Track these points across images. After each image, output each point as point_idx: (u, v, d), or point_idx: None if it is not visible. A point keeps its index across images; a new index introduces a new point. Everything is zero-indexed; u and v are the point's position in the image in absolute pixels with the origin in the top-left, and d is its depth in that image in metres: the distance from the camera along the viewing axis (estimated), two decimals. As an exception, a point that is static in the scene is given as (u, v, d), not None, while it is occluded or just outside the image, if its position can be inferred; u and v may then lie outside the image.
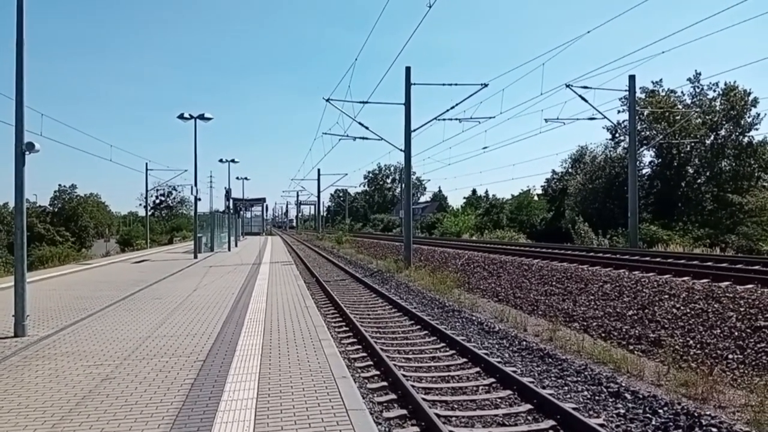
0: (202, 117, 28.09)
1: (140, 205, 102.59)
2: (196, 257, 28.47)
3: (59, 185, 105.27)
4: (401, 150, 27.42)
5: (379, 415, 6.79)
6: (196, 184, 30.08)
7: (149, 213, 70.55)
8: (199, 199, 31.65)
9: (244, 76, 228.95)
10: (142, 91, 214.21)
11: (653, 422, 6.61)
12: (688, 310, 11.56)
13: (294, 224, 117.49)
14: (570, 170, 65.42)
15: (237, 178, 77.64)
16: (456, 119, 29.37)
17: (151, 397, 5.73)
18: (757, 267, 15.64)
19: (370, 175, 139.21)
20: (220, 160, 55.97)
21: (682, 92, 51.40)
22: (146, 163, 55.76)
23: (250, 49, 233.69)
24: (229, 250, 36.89)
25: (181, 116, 27.99)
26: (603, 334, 11.92)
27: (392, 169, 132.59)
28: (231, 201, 46.47)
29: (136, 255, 34.44)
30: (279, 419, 5.05)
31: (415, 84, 26.59)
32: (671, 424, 6.51)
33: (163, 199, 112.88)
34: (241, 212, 65.32)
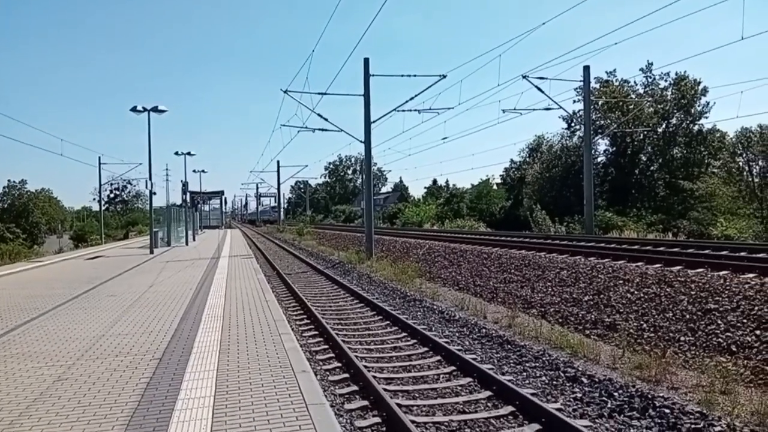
0: (155, 109, 27.47)
1: (94, 199, 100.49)
2: (152, 252, 27.88)
3: (8, 181, 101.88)
4: (361, 141, 27.34)
5: (341, 408, 6.78)
6: (150, 178, 29.44)
7: (104, 208, 68.86)
8: (155, 193, 31.08)
9: (199, 64, 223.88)
10: (91, 79, 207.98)
11: (609, 405, 6.78)
12: (642, 295, 11.88)
13: (276, 216, 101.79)
14: (527, 159, 66.42)
15: (194, 171, 76.60)
16: (415, 110, 29.54)
17: (105, 398, 5.58)
18: (707, 251, 16.17)
19: (331, 166, 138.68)
20: (176, 153, 55.03)
21: (635, 82, 52.78)
22: (99, 157, 54.27)
23: (204, 37, 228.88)
24: (187, 244, 36.24)
25: (134, 109, 27.32)
26: (560, 320, 12.16)
27: (353, 160, 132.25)
28: (188, 194, 45.68)
29: (91, 251, 33.51)
30: (237, 417, 4.98)
31: (374, 75, 26.53)
32: (626, 406, 6.68)
33: (117, 193, 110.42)
34: (199, 205, 64.23)
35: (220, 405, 5.29)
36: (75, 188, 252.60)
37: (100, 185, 57.63)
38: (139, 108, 27.30)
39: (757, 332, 8.97)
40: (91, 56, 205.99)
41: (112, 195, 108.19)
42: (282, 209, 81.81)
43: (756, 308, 9.56)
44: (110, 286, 14.55)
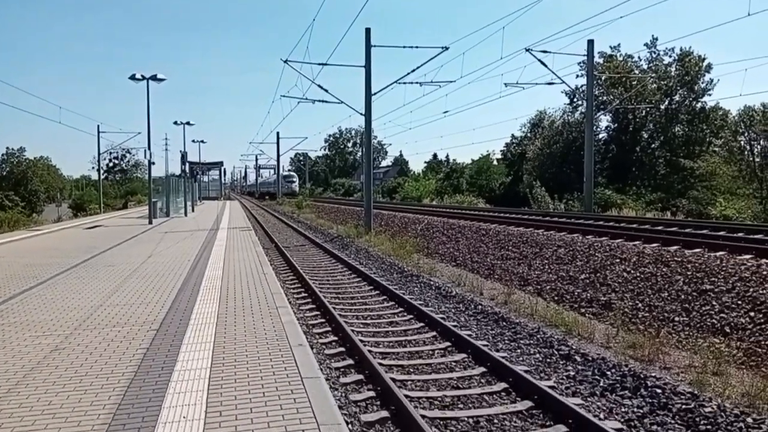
0: (154, 78, 27.19)
1: (93, 168, 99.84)
2: (151, 223, 27.89)
3: (7, 148, 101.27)
4: (362, 114, 27.17)
5: (336, 381, 6.86)
6: (149, 148, 29.26)
7: (102, 177, 68.57)
8: (153, 163, 30.94)
9: (198, 32, 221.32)
10: (93, 48, 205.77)
11: (601, 384, 6.85)
12: (638, 274, 11.93)
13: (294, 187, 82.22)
14: (529, 135, 66.17)
15: (193, 141, 76.49)
16: (417, 83, 29.24)
17: (102, 368, 5.62)
18: (705, 231, 16.19)
19: (331, 138, 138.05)
20: (175, 122, 54.77)
21: (639, 57, 52.29)
22: (98, 126, 53.85)
23: (204, 4, 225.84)
24: (186, 215, 36.25)
25: (132, 77, 27.03)
26: (556, 298, 12.23)
27: (353, 132, 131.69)
28: (187, 165, 45.54)
29: (89, 220, 33.52)
30: (232, 389, 5.03)
31: (375, 46, 26.18)
32: (618, 385, 6.75)
33: (116, 162, 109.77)
34: (198, 176, 64.09)
35: (216, 377, 5.34)
36: (74, 157, 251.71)
37: (99, 154, 57.39)
38: (138, 76, 27.01)
39: (752, 314, 9.03)
40: (88, 21, 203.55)
41: (111, 164, 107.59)
42: (280, 181, 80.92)
43: (751, 290, 9.62)
44: (108, 256, 14.58)
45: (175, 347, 6.30)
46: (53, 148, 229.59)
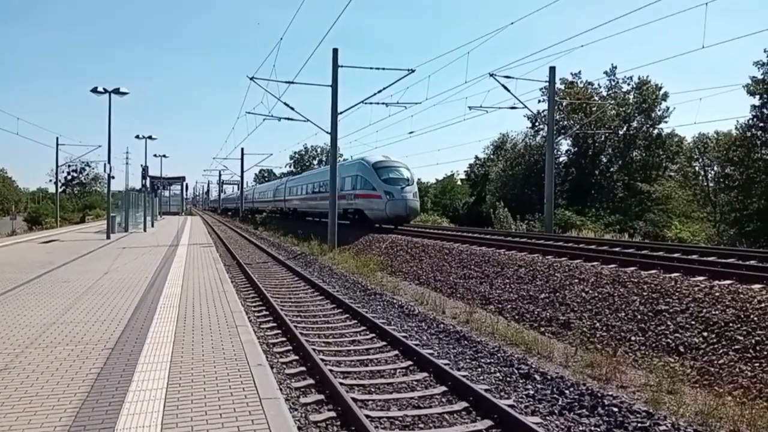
0: (117, 91, 26.76)
1: (50, 181, 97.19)
2: (108, 238, 27.24)
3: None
4: (328, 132, 27.18)
5: (296, 401, 6.77)
6: (109, 161, 28.64)
7: (60, 190, 66.93)
8: (113, 177, 30.19)
9: (164, 49, 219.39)
10: (54, 61, 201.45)
11: (560, 402, 6.92)
12: (596, 294, 12.14)
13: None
14: (492, 157, 67.16)
15: (155, 155, 74.55)
16: (383, 103, 29.31)
17: (53, 388, 5.44)
18: (660, 253, 16.58)
19: (296, 155, 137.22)
20: (137, 136, 53.68)
21: (598, 85, 53.76)
22: (57, 138, 52.83)
23: (170, 19, 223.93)
24: (145, 230, 35.53)
25: (94, 90, 26.54)
26: (516, 317, 12.36)
27: (319, 150, 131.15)
28: (148, 179, 44.72)
29: (45, 234, 32.56)
30: (189, 410, 4.92)
31: (342, 66, 26.33)
32: (576, 404, 6.83)
33: (75, 175, 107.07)
34: (159, 191, 62.96)
35: (172, 397, 5.21)
36: (31, 169, 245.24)
37: (57, 166, 56.31)
38: (100, 89, 26.54)
39: (705, 334, 9.27)
40: (50, 35, 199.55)
41: (69, 177, 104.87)
42: (244, 197, 79.16)
43: (704, 311, 9.88)
44: (63, 272, 14.17)
45: (130, 367, 6.14)
46: (9, 159, 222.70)
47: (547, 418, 6.53)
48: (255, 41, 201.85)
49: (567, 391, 7.23)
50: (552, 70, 30.74)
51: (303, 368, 8.17)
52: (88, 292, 11.03)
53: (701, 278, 11.66)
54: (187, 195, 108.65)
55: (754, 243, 29.83)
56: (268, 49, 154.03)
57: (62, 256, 18.09)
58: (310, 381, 7.59)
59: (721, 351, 8.70)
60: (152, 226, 40.38)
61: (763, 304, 9.15)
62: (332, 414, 6.44)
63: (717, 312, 9.68)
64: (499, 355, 8.93)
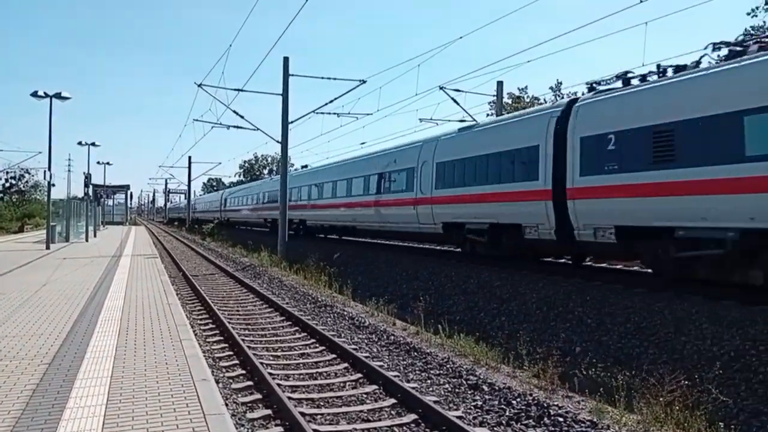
0: (58, 96, 25.94)
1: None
2: (48, 248, 26.22)
3: None
4: (278, 141, 26.97)
5: (242, 417, 6.61)
6: (50, 168, 27.69)
7: (-4, 198, 63.97)
8: (53, 185, 29.25)
9: (107, 51, 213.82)
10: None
11: (507, 413, 6.99)
12: (544, 305, 12.39)
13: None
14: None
15: (98, 163, 72.47)
16: (335, 113, 29.32)
17: (-17, 407, 5.16)
18: (604, 264, 17.11)
19: (246, 165, 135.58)
20: (80, 143, 52.06)
21: (544, 99, 55.15)
22: (-7, 143, 50.53)
23: (117, 24, 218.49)
24: (87, 240, 34.35)
25: (34, 94, 25.62)
26: (466, 327, 12.45)
27: (269, 159, 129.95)
28: (91, 187, 43.33)
29: (-22, 244, 31.06)
30: (129, 427, 4.74)
31: (293, 75, 26.26)
32: (523, 414, 6.92)
33: (13, 182, 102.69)
34: (102, 200, 61.08)
35: (112, 414, 5.03)
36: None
37: (-7, 173, 53.60)
38: (41, 93, 25.66)
39: (645, 344, 9.58)
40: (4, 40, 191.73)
41: (7, 184, 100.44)
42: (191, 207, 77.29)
43: (644, 322, 10.21)
44: (-3, 284, 13.53)
45: (68, 383, 5.89)
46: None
47: (495, 428, 6.57)
48: (204, 47, 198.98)
49: (514, 402, 7.29)
50: (500, 84, 31.36)
51: (250, 382, 8.01)
52: (25, 305, 10.57)
53: (641, 289, 12.05)
54: (131, 204, 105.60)
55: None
56: (217, 55, 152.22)
57: (-4, 267, 17.28)
58: (258, 396, 7.44)
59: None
60: (95, 236, 39.08)
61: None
62: (280, 429, 6.32)
63: (654, 323, 10.01)
64: (448, 366, 8.94)
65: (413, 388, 7.72)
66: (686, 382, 7.22)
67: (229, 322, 11.82)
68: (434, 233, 19.50)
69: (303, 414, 6.60)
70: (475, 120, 25.06)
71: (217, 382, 6.81)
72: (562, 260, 17.16)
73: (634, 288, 12.25)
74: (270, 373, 8.22)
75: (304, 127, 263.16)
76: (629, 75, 12.73)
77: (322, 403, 7.35)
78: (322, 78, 25.70)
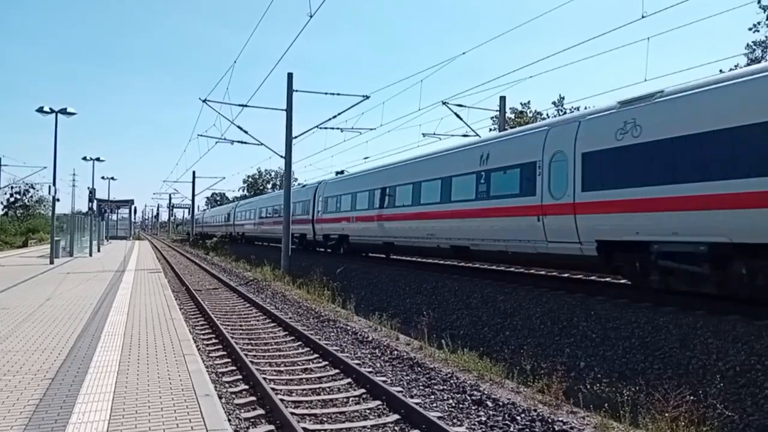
0: (64, 111, 26.15)
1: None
2: (52, 263, 26.26)
3: None
4: (282, 156, 27.10)
5: (245, 432, 6.59)
6: (55, 183, 27.89)
7: (2, 212, 64.23)
8: (58, 200, 29.41)
9: (113, 67, 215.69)
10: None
11: (511, 429, 6.95)
12: (548, 320, 12.33)
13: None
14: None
15: (103, 177, 72.84)
16: (338, 128, 29.47)
17: (-14, 422, 5.16)
18: (608, 279, 17.06)
19: (250, 179, 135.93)
20: (84, 158, 52.35)
21: (547, 115, 55.33)
22: (-1, 157, 50.83)
23: (123, 40, 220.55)
24: (91, 255, 34.41)
25: (40, 110, 25.83)
26: (469, 342, 12.40)
27: (273, 174, 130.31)
28: (95, 202, 43.52)
29: (-18, 259, 31.14)
30: (132, 443, 4.74)
31: (297, 91, 26.46)
32: (527, 430, 6.88)
33: (18, 197, 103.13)
34: (106, 214, 61.27)
35: (115, 430, 5.01)
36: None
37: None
38: (46, 109, 25.87)
39: (650, 359, 9.52)
40: (11, 56, 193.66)
41: (12, 199, 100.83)
42: (195, 221, 77.48)
43: (649, 337, 10.16)
44: (3, 298, 13.57)
45: (71, 398, 5.89)
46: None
47: (499, 444, 6.54)
48: (209, 63, 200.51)
49: (518, 417, 7.24)
50: (502, 99, 31.50)
51: (253, 398, 7.98)
52: (28, 320, 10.58)
53: (647, 304, 11.99)
54: (135, 219, 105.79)
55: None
56: (222, 71, 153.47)
57: (2, 282, 17.32)
58: (260, 411, 7.42)
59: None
60: (98, 250, 39.15)
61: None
62: (282, 445, 6.30)
63: (659, 339, 9.95)
64: (451, 381, 8.89)
65: (417, 403, 7.67)
66: (691, 398, 7.18)
67: (232, 337, 11.80)
68: (577, 257, 13.24)
69: (306, 430, 6.59)
70: (477, 134, 24.65)
71: (220, 398, 6.80)
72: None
73: (638, 302, 12.21)
74: (273, 389, 8.19)
75: (308, 142, 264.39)
76: None
77: (325, 419, 7.32)
78: (326, 93, 26.29)
